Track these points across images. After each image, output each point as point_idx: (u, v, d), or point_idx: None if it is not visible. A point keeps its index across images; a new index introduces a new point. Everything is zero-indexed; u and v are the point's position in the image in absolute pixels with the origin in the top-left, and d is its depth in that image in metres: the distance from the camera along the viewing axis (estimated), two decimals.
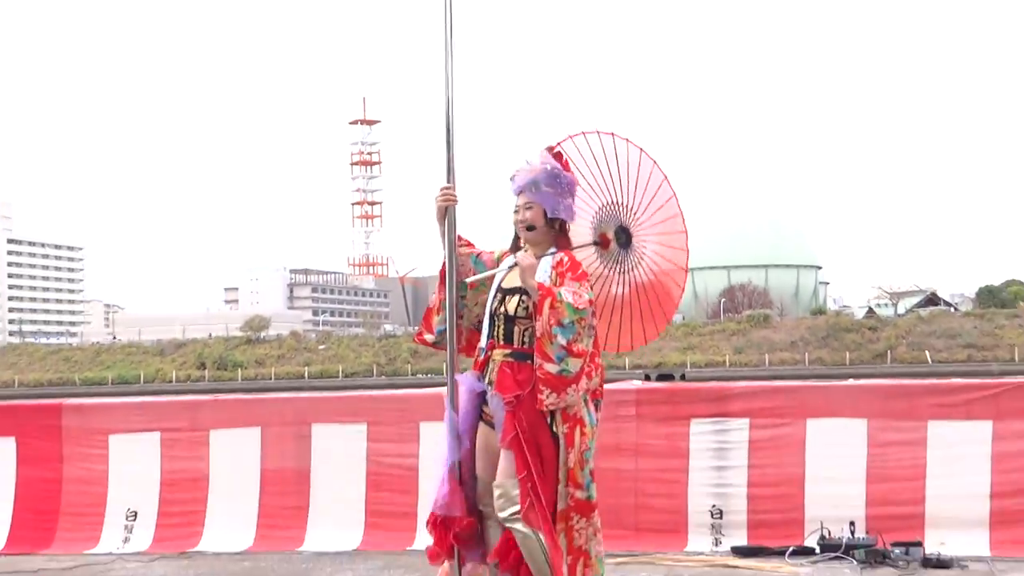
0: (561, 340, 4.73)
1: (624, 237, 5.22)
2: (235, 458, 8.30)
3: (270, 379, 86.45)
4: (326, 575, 7.09)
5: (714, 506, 7.54)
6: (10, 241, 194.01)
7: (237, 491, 8.22)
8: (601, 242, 5.18)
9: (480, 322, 5.09)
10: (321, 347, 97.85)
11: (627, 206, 5.22)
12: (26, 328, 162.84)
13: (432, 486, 7.53)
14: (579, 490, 4.83)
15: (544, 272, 4.87)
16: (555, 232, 5.02)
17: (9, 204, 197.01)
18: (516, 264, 4.87)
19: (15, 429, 8.62)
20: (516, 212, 5.02)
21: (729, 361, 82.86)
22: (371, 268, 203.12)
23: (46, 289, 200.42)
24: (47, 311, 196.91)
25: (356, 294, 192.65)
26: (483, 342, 5.03)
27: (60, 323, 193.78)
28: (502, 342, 4.95)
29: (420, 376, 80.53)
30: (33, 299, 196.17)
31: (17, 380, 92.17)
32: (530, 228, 4.98)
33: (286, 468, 8.23)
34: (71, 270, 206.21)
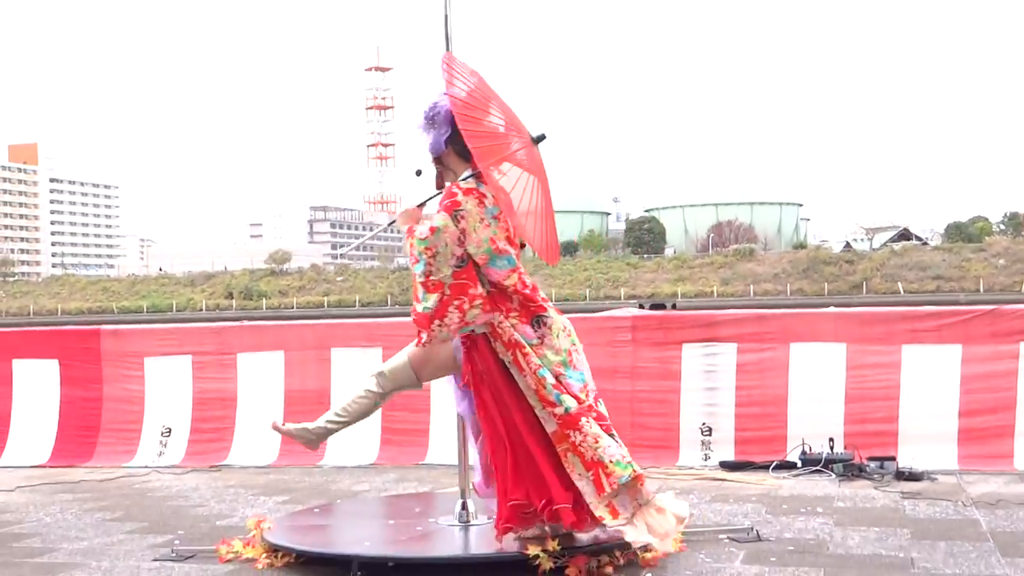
0: (418, 277, 4.47)
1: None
2: (260, 379, 8.30)
3: (292, 308, 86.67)
4: (345, 487, 7.10)
5: (704, 424, 7.54)
6: (52, 180, 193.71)
7: (262, 410, 8.23)
8: (537, 139, 4.83)
9: None
10: (339, 279, 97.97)
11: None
12: (67, 261, 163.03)
13: (443, 408, 7.58)
14: (555, 407, 4.51)
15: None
16: (455, 163, 4.67)
17: (50, 145, 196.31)
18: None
19: (58, 352, 8.62)
20: None
21: (717, 292, 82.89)
22: (385, 205, 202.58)
23: (85, 224, 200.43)
24: (86, 245, 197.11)
25: (371, 229, 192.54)
26: None
27: (99, 256, 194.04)
28: None
29: None
30: (73, 234, 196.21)
31: (60, 308, 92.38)
32: (419, 174, 4.83)
33: (308, 389, 8.23)
34: (107, 207, 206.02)
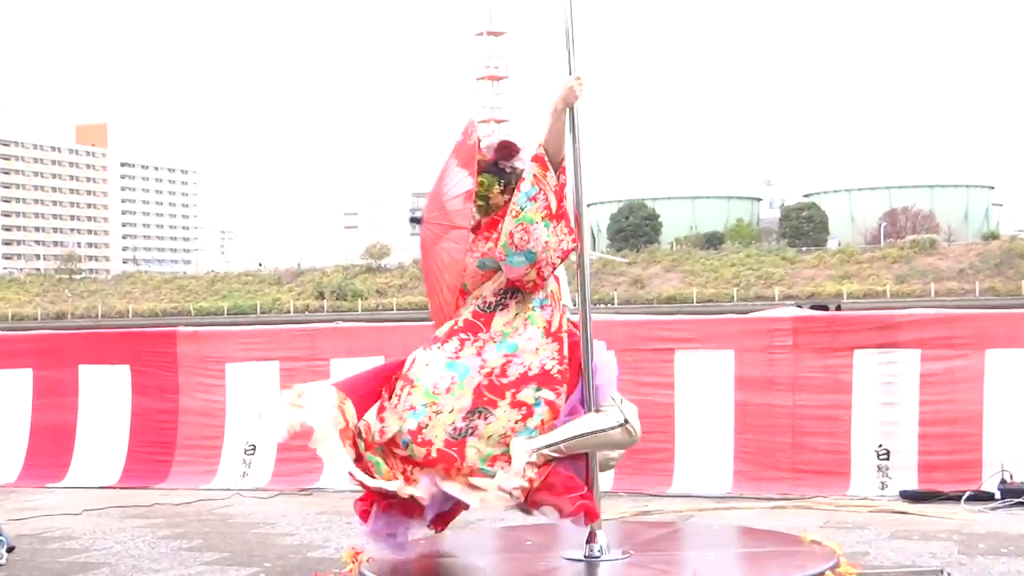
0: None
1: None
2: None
3: (392, 309, 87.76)
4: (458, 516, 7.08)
5: (880, 446, 7.35)
6: (122, 165, 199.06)
7: None
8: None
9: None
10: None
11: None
12: (139, 256, 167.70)
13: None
14: None
15: None
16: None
17: (121, 126, 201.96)
18: None
19: (129, 357, 8.81)
20: None
21: (891, 291, 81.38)
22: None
23: (159, 215, 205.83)
24: (160, 238, 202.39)
25: None
26: None
27: (174, 250, 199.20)
28: None
29: None
30: (146, 225, 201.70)
31: (131, 309, 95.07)
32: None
33: None
34: (184, 194, 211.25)
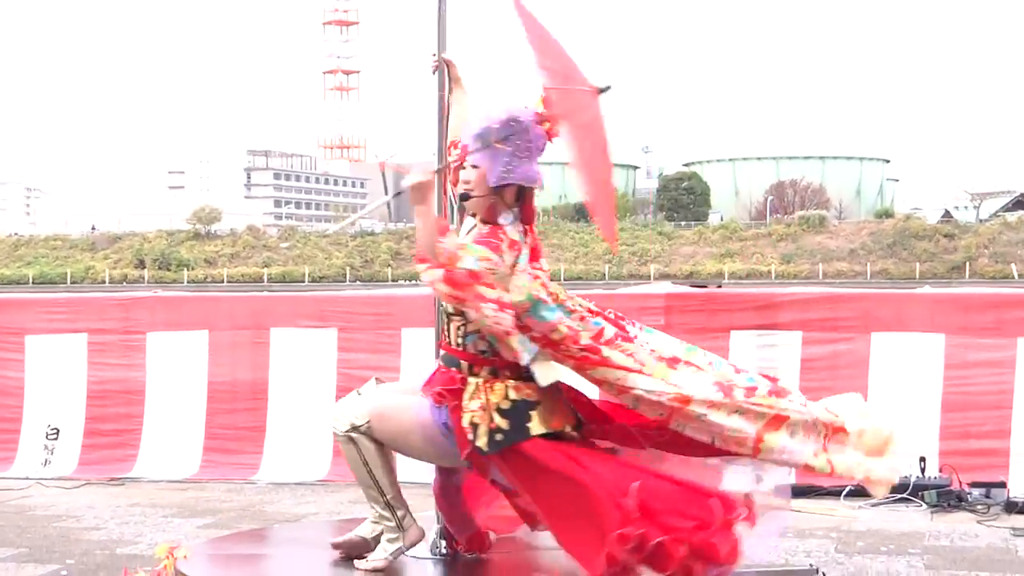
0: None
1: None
2: (177, 367, 8.28)
3: (222, 281, 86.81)
4: (285, 508, 7.09)
5: None
6: None
7: (179, 406, 8.21)
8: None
9: None
10: (283, 245, 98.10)
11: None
12: None
13: None
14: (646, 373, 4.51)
15: None
16: (508, 200, 4.55)
17: None
18: None
19: None
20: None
21: (776, 272, 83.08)
22: (345, 151, 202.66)
23: None
24: None
25: (327, 182, 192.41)
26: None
27: None
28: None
29: (402, 282, 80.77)
30: None
31: None
32: (464, 197, 4.56)
33: (239, 380, 8.23)
34: None
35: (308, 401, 8.10)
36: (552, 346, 4.50)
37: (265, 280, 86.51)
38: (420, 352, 7.65)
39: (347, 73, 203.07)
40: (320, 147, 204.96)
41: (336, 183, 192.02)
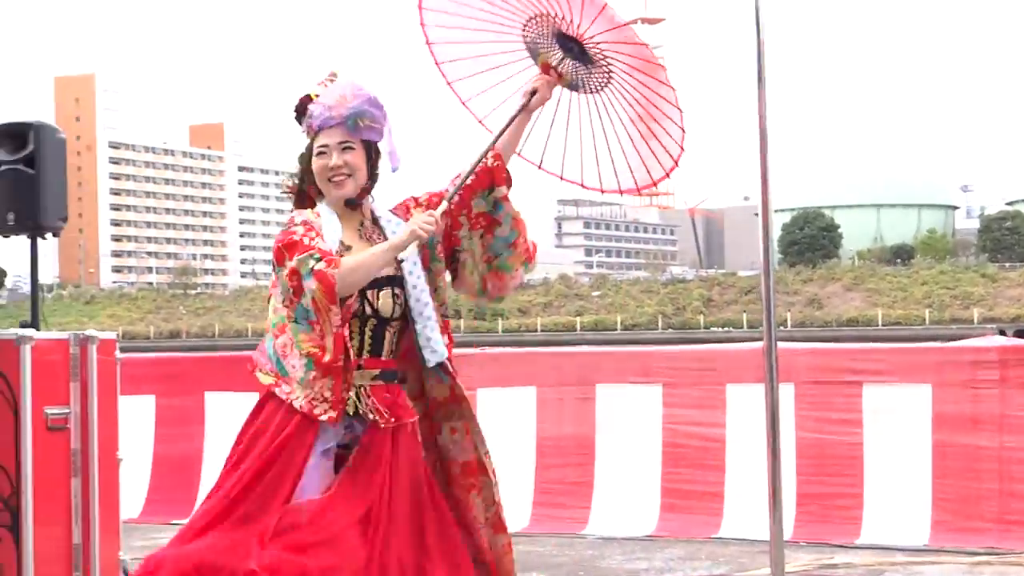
0: None
1: (574, 46, 4.30)
2: (508, 423, 8.47)
3: (535, 330, 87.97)
4: (616, 564, 7.18)
5: None
6: (240, 169, 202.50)
7: (511, 461, 8.40)
8: (544, 71, 4.33)
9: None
10: (595, 293, 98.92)
11: (560, 17, 4.26)
12: (259, 269, 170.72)
13: (743, 464, 7.58)
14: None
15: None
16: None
17: (237, 127, 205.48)
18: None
19: (257, 384, 8.99)
20: (323, 155, 4.15)
21: None
22: (654, 198, 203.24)
23: (280, 225, 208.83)
24: None
25: (637, 230, 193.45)
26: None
27: None
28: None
29: (715, 330, 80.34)
30: (267, 236, 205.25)
31: (251, 328, 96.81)
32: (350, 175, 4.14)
33: (564, 435, 8.37)
34: None
35: (634, 456, 8.18)
36: None
37: (578, 329, 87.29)
38: (746, 409, 7.69)
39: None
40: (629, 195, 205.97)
41: (646, 230, 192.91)
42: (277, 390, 4.17)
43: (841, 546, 7.39)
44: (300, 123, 4.21)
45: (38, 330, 6.14)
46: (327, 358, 4.02)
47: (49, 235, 6.54)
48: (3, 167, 6.31)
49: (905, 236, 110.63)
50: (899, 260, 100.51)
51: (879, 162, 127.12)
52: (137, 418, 9.30)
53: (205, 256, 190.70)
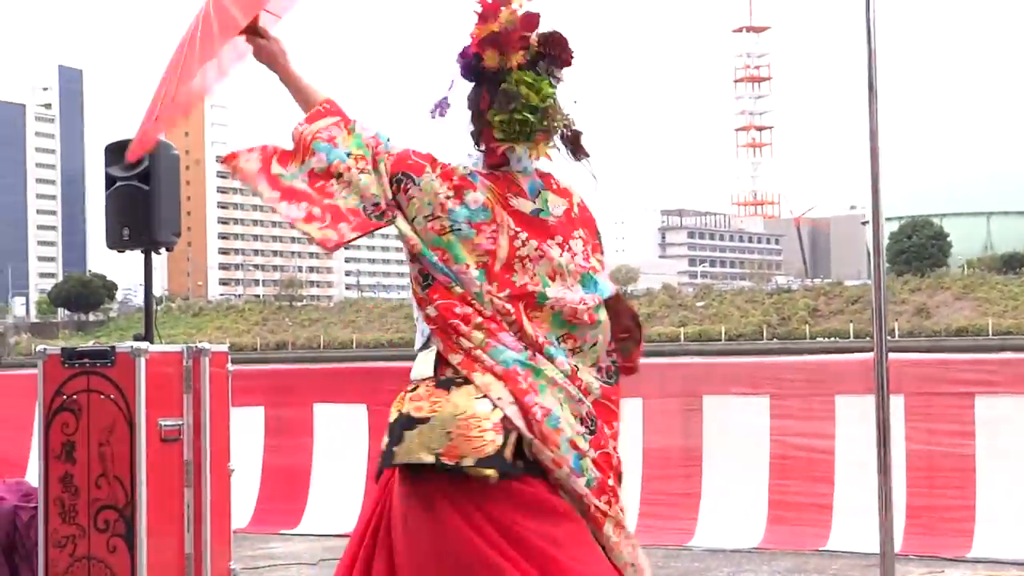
0: None
1: None
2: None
3: None
4: None
5: None
6: None
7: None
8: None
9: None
10: (699, 304, 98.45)
11: None
12: (364, 281, 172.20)
13: (853, 477, 7.51)
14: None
15: None
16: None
17: None
18: None
19: (367, 396, 9.09)
20: None
21: None
22: (759, 207, 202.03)
23: (385, 235, 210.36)
24: (386, 261, 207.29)
25: (741, 239, 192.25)
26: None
27: (400, 274, 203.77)
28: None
29: (821, 340, 79.56)
30: (371, 247, 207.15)
31: (356, 340, 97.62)
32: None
33: (671, 446, 8.36)
34: None
35: (741, 468, 8.15)
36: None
37: (682, 340, 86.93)
38: (855, 421, 7.62)
39: (759, 129, 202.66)
40: (733, 204, 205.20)
41: (751, 240, 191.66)
42: None
43: (952, 559, 7.30)
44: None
45: (152, 343, 6.26)
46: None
47: (163, 250, 6.66)
48: (119, 183, 6.44)
49: (1016, 244, 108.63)
50: (1010, 269, 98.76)
51: (988, 169, 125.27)
52: (247, 429, 9.44)
53: (311, 268, 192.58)
